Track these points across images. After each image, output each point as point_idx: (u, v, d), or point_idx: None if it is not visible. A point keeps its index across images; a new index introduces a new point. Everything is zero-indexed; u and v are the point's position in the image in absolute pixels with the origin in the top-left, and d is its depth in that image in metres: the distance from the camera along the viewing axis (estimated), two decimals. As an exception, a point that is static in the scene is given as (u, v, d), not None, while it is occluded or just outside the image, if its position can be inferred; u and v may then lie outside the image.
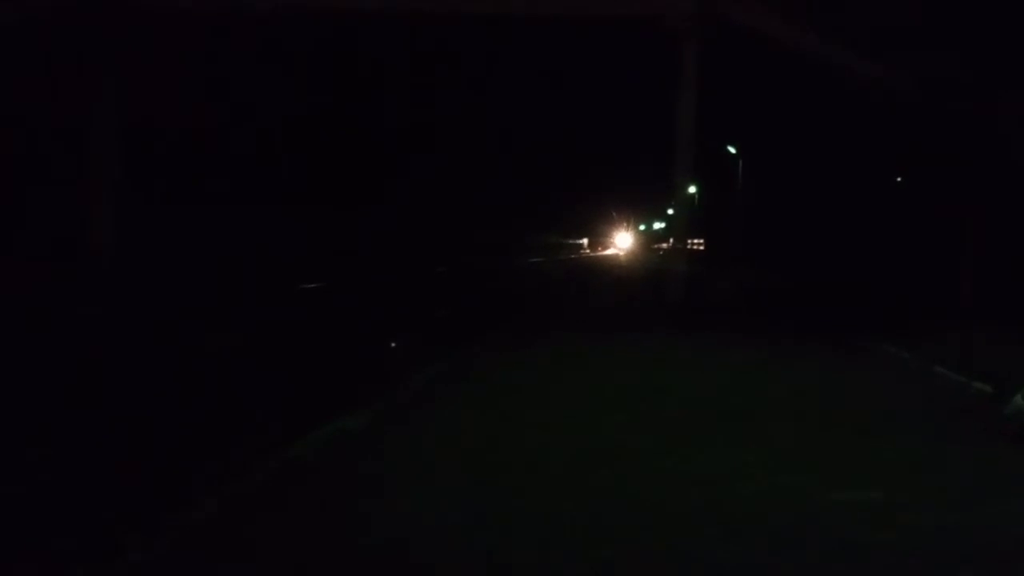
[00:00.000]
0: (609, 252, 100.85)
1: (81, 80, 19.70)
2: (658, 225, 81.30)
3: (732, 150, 40.07)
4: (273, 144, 30.32)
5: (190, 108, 23.98)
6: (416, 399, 8.47)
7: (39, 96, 19.71)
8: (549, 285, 32.76)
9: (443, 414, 7.86)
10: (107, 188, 19.94)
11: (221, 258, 23.99)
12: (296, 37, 25.36)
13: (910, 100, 16.49)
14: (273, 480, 5.71)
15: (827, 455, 6.76)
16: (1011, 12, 14.52)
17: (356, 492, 5.50)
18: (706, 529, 4.97)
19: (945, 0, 15.87)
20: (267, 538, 4.68)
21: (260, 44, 24.85)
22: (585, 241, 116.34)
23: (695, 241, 50.67)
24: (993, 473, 6.36)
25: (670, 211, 66.95)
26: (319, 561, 4.40)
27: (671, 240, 46.65)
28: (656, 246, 75.08)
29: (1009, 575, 4.53)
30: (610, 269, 50.19)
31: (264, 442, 6.73)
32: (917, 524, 5.12)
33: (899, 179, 20.45)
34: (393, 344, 13.69)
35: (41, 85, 19.57)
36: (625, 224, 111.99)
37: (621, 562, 4.47)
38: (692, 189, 44.56)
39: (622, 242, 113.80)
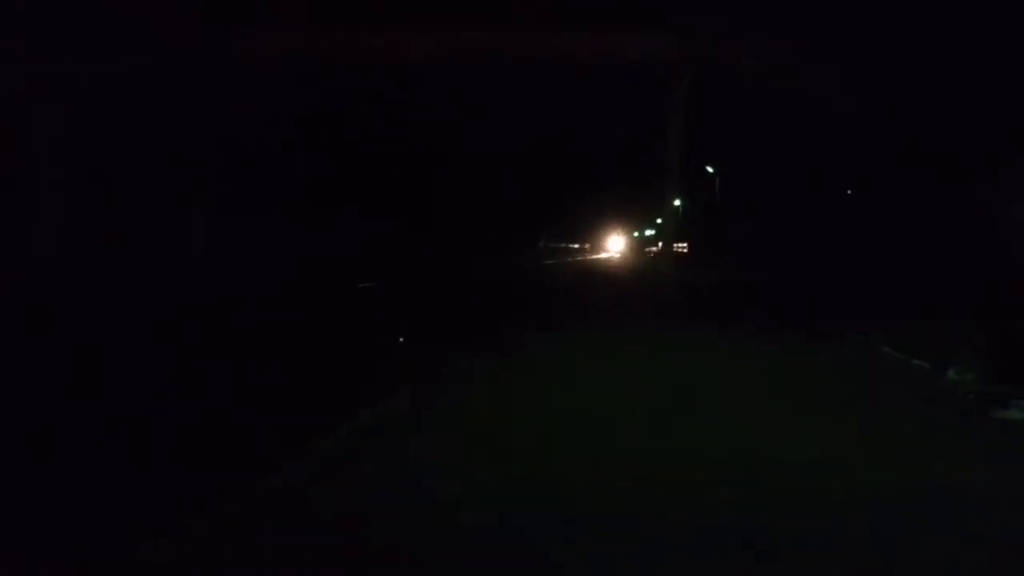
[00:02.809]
0: (603, 256, 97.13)
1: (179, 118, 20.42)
2: (649, 232, 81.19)
3: (710, 169, 40.11)
4: (310, 161, 30.31)
5: (250, 136, 24.23)
6: (452, 379, 8.69)
7: (141, 130, 20.12)
8: (558, 285, 32.77)
9: (476, 387, 8.10)
10: (200, 203, 20.55)
11: (279, 261, 24.23)
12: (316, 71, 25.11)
13: (855, 123, 16.59)
14: (328, 450, 5.74)
15: (779, 421, 6.77)
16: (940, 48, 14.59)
17: (398, 457, 5.64)
18: (682, 487, 5.06)
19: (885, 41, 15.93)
20: (311, 508, 4.78)
21: (298, 83, 25.06)
22: (588, 245, 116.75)
23: (680, 245, 50.61)
24: (927, 436, 6.42)
25: (659, 220, 66.76)
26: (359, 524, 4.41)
27: (660, 244, 46.64)
28: (647, 250, 74.92)
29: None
30: (607, 270, 50.11)
31: (317, 421, 6.72)
32: (859, 479, 5.20)
33: (848, 192, 20.40)
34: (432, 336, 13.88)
35: (143, 122, 19.98)
36: (618, 230, 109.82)
37: (612, 522, 4.51)
38: (677, 202, 44.45)
39: (615, 246, 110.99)
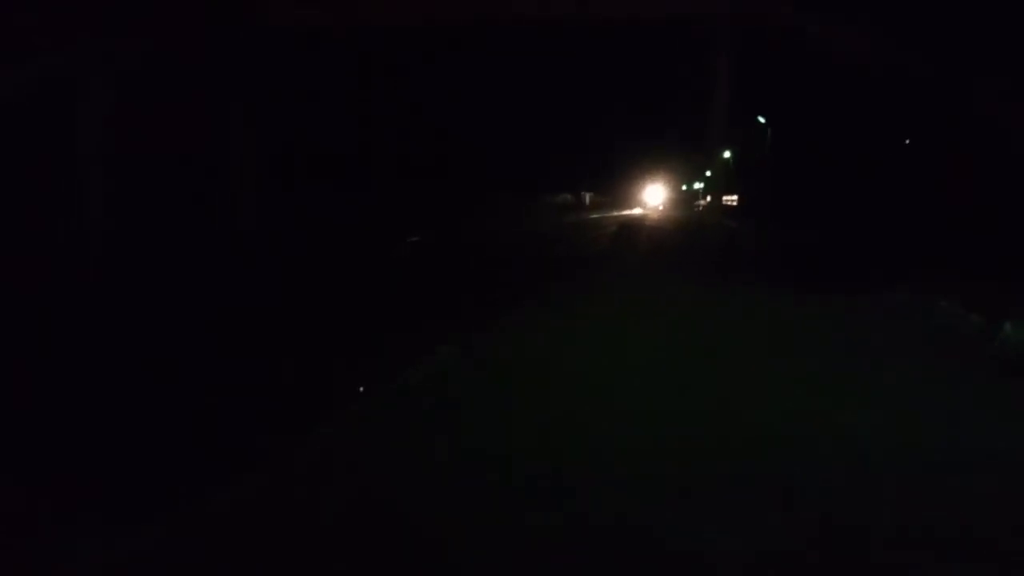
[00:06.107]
0: (635, 211, 73.14)
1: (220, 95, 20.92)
2: (698, 185, 79.79)
3: (762, 120, 39.19)
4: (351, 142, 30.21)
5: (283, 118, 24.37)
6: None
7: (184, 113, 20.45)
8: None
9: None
10: (248, 184, 21.22)
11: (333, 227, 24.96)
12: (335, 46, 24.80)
13: (908, 76, 16.15)
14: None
15: (829, 376, 6.92)
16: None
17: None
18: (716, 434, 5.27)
19: None
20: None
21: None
22: (588, 196, 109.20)
23: (730, 198, 49.67)
24: (978, 394, 6.51)
25: (708, 173, 65.30)
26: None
27: (708, 198, 45.94)
28: (696, 203, 73.71)
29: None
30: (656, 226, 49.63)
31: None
32: (907, 437, 5.36)
33: (907, 141, 19.88)
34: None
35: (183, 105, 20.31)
36: (660, 181, 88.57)
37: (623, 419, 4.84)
38: (727, 154, 43.55)
39: (653, 198, 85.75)
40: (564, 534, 3.84)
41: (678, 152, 78.16)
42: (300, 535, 3.81)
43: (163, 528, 3.88)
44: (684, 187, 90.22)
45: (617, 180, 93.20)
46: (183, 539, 3.81)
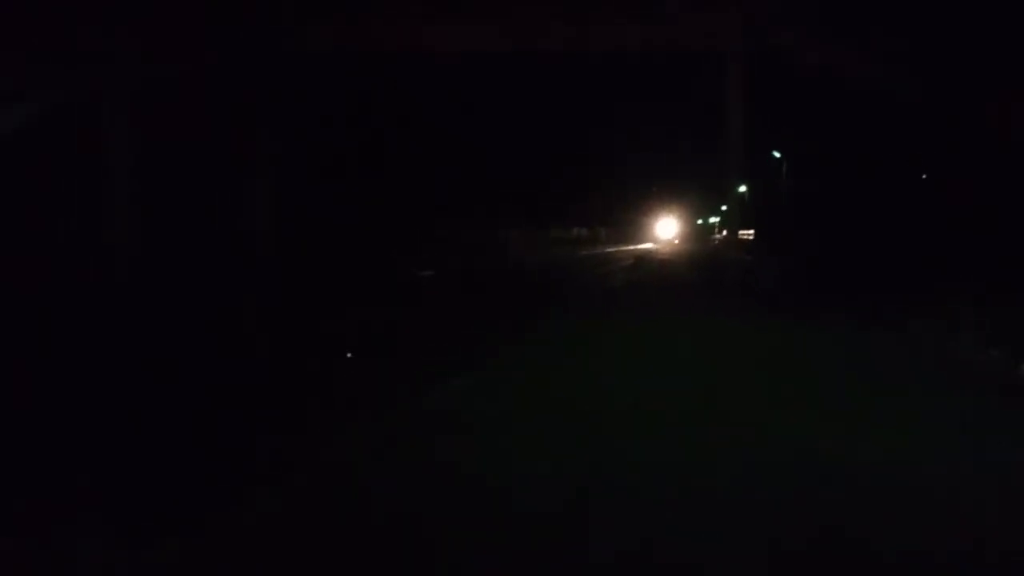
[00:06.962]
0: (648, 246, 69.39)
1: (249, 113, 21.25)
2: (713, 219, 79.53)
3: (777, 154, 39.31)
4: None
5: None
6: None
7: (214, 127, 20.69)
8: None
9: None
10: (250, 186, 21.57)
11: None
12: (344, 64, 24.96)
13: (923, 105, 16.12)
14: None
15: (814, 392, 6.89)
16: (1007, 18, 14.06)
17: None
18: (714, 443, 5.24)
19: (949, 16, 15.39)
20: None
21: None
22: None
23: (746, 232, 49.49)
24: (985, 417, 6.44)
25: (723, 207, 65.19)
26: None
27: (724, 232, 45.99)
28: (712, 237, 73.57)
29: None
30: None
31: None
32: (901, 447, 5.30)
33: (924, 176, 19.79)
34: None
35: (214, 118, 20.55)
36: (671, 211, 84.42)
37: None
38: (742, 188, 43.67)
39: (666, 232, 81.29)
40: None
41: (693, 186, 78.14)
42: (300, 535, 3.79)
43: (163, 528, 3.87)
44: (699, 221, 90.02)
45: (631, 214, 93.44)
46: (183, 539, 3.80)
